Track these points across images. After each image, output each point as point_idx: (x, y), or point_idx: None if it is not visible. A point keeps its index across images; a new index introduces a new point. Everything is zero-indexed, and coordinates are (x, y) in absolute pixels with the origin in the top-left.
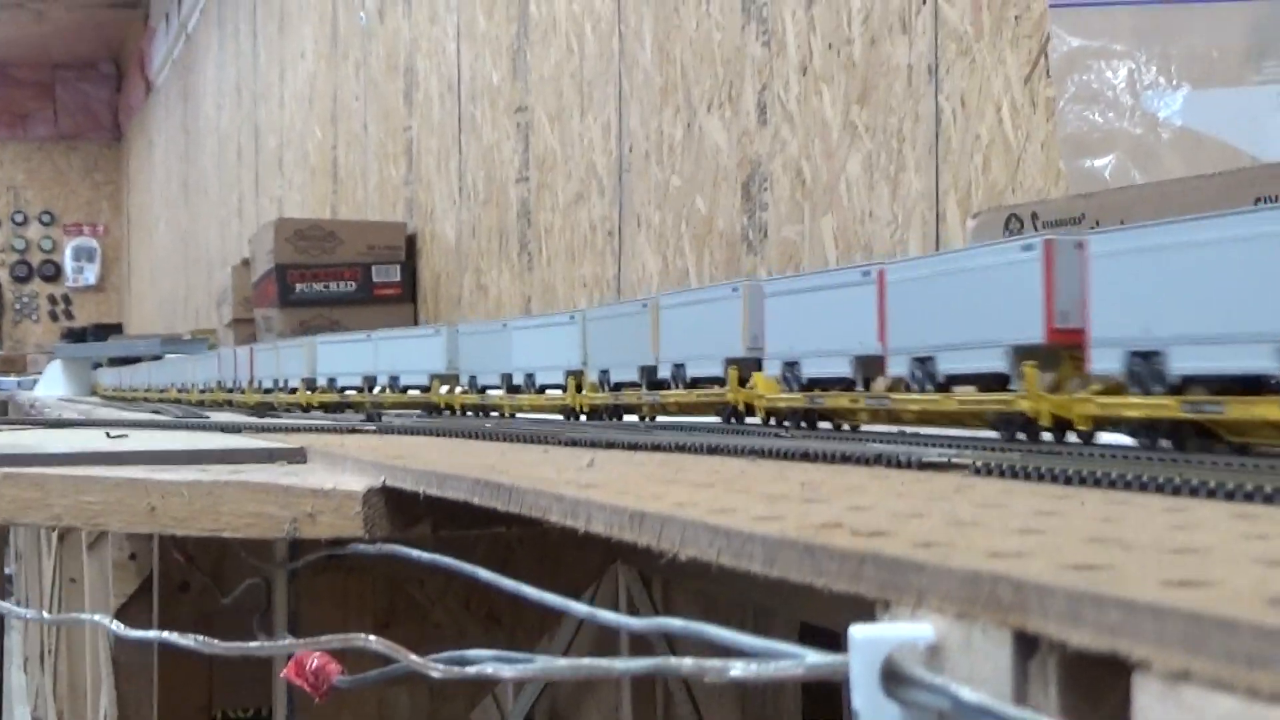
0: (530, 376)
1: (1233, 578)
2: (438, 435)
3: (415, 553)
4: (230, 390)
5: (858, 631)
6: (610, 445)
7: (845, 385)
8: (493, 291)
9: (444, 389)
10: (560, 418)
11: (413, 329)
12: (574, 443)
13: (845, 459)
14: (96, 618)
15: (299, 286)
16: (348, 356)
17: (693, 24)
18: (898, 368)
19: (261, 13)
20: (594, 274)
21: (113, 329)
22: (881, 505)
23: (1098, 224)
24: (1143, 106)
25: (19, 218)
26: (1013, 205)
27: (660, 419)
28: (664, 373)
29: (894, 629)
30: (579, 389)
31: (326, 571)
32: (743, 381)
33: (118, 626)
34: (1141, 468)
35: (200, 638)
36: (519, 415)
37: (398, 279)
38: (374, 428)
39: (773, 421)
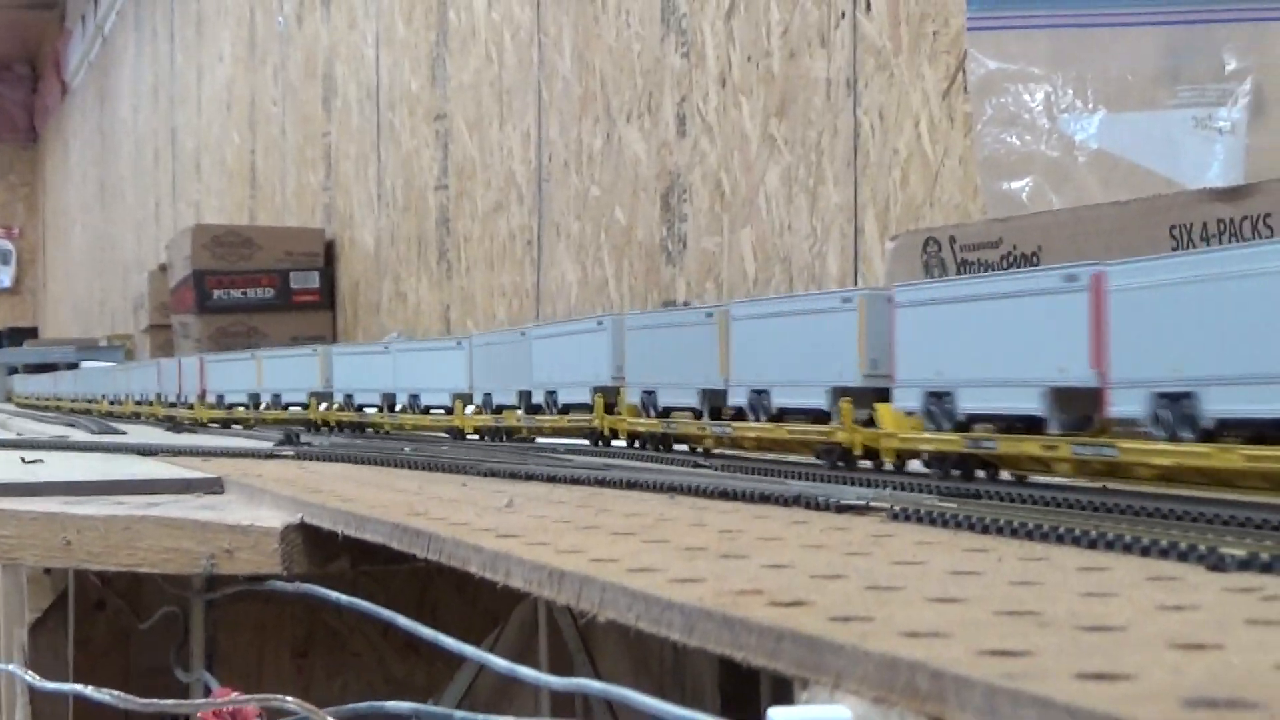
0: (552, 394)
1: (1148, 669)
2: (357, 463)
3: (334, 594)
4: (174, 404)
5: (777, 714)
6: (530, 478)
7: (1028, 425)
8: (412, 299)
9: (469, 409)
10: (586, 442)
11: (434, 340)
12: (493, 473)
13: (764, 499)
14: (11, 668)
15: (216, 293)
16: (367, 371)
17: (612, 34)
18: (1128, 405)
19: (179, 16)
20: (513, 283)
21: (28, 333)
22: (800, 563)
23: (1015, 249)
24: (1059, 129)
25: None
26: (930, 228)
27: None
28: (736, 399)
29: (812, 712)
30: (608, 409)
31: (244, 600)
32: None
33: (32, 678)
34: (1058, 518)
35: (117, 693)
36: (539, 439)
37: (316, 285)
38: (292, 453)
39: (888, 465)
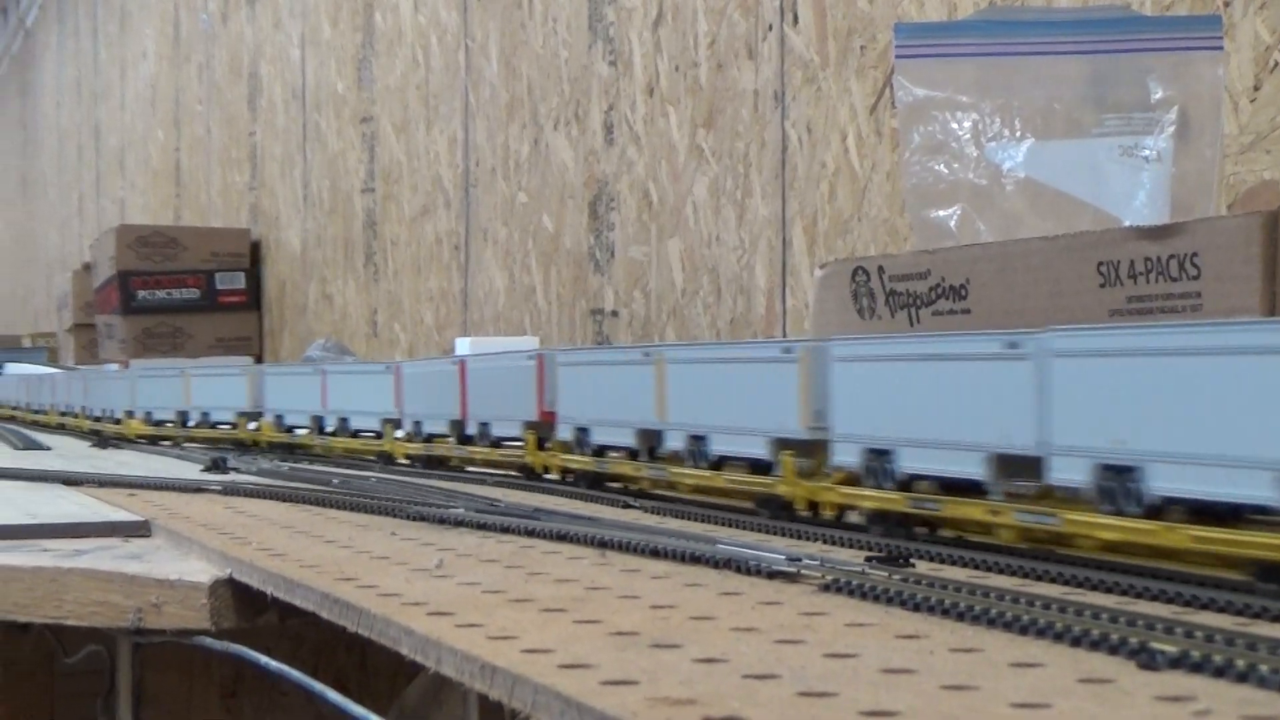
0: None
1: None
2: (283, 500)
3: (263, 659)
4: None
5: None
6: (459, 524)
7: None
8: (339, 302)
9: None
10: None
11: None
12: (422, 518)
13: (695, 559)
14: None
15: (141, 293)
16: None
17: (539, 40)
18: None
19: (102, 11)
20: (440, 288)
21: None
22: (734, 654)
23: (943, 280)
24: (987, 157)
25: None
26: (860, 258)
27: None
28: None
29: None
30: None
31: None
32: None
33: None
34: (989, 603)
35: None
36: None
37: (242, 286)
38: (219, 486)
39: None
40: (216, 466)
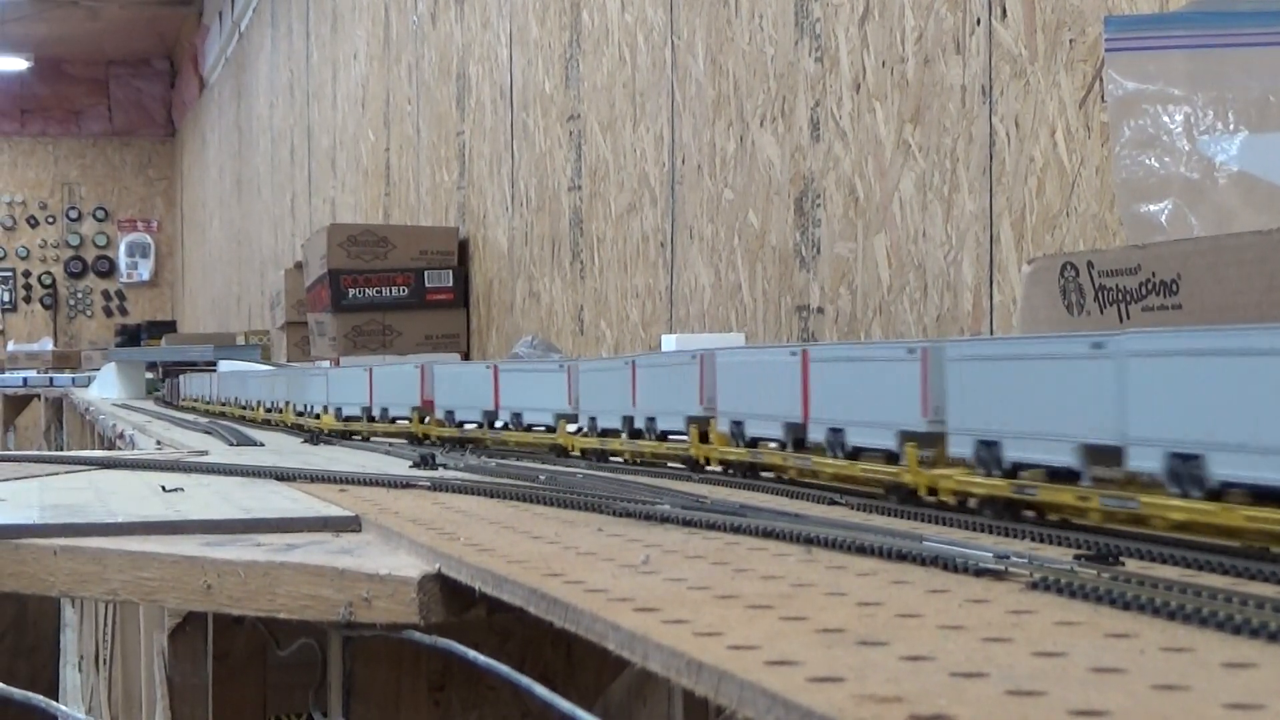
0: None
1: None
2: (490, 495)
3: (471, 654)
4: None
5: None
6: (665, 520)
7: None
8: (545, 299)
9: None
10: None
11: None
12: (628, 514)
13: (901, 557)
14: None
15: (352, 292)
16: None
17: (745, 37)
18: None
19: (314, 13)
20: (646, 285)
21: (166, 326)
22: (941, 652)
23: (1154, 275)
24: (1199, 151)
25: (73, 213)
26: (1068, 254)
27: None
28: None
29: None
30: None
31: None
32: None
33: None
34: (1201, 602)
35: None
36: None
37: (450, 284)
38: (428, 483)
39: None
40: (425, 462)
